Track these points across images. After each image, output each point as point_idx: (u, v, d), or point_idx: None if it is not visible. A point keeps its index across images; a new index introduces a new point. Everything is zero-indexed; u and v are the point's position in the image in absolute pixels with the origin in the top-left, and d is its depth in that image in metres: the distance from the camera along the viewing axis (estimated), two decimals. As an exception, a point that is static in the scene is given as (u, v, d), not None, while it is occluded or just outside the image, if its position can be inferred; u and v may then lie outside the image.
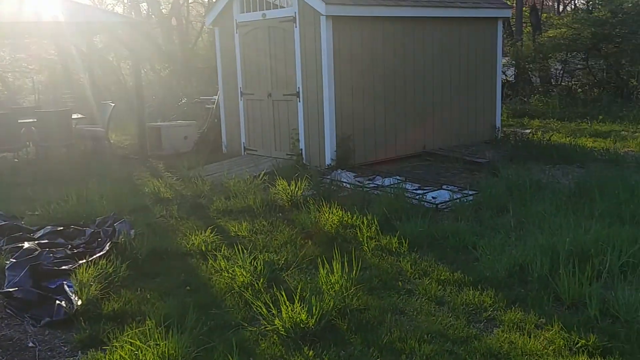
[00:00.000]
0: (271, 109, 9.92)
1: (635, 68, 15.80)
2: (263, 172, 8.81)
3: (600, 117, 13.98)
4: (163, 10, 25.32)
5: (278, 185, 7.57)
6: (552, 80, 19.11)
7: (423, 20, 9.87)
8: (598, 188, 6.67)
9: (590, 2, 19.61)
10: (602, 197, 6.32)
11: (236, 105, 10.60)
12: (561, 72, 19.07)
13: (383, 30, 9.44)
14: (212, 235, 5.85)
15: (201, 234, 5.90)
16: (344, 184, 8.00)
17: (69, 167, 10.21)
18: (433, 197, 7.25)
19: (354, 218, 6.23)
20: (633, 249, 4.65)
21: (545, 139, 10.57)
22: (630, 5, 17.28)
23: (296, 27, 9.21)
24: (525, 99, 17.10)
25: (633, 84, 15.93)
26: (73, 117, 11.01)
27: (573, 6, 32.04)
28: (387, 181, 8.12)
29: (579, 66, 18.42)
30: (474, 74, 10.81)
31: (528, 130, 12.44)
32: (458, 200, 6.87)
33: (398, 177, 8.37)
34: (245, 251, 4.98)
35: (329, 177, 8.51)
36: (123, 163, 10.60)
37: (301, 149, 9.47)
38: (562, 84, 18.84)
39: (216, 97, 12.56)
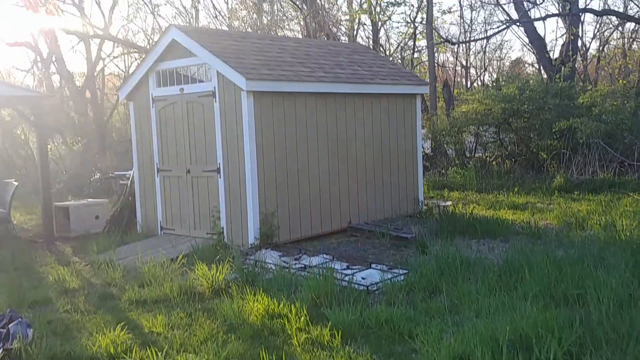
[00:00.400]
0: (190, 185, 9.45)
1: (544, 142, 16.57)
2: (181, 255, 8.25)
3: (516, 188, 14.40)
4: (77, 82, 24.57)
5: (197, 269, 7.03)
6: (466, 152, 19.77)
7: (344, 96, 9.87)
8: (527, 265, 6.59)
9: (498, 80, 20.70)
10: (532, 275, 6.22)
11: (152, 181, 10.05)
12: (474, 144, 19.77)
13: (305, 106, 9.33)
14: (122, 333, 5.21)
15: (110, 332, 5.25)
16: (269, 265, 7.56)
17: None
18: (363, 278, 6.94)
19: (281, 306, 5.78)
20: (572, 337, 4.47)
21: (467, 212, 10.63)
22: (535, 82, 18.35)
23: (216, 102, 8.93)
24: (444, 171, 17.48)
25: (543, 156, 16.65)
26: (-31, 197, 10.07)
27: (480, 82, 34.03)
28: (314, 260, 7.76)
29: (490, 139, 19.17)
30: (395, 148, 10.85)
31: (449, 203, 12.55)
32: (389, 281, 6.58)
33: (325, 256, 8.03)
34: (159, 354, 4.41)
35: (252, 257, 8.06)
36: (26, 248, 9.71)
37: (222, 228, 9.00)
38: (476, 155, 19.51)
39: (131, 173, 11.94)
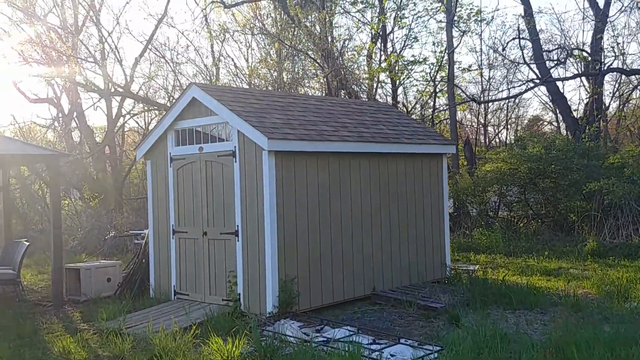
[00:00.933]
0: (207, 248, 9.00)
1: (573, 203, 15.98)
2: (195, 324, 7.71)
3: (546, 252, 13.74)
4: (97, 138, 24.63)
5: (212, 343, 6.49)
6: (489, 212, 19.19)
7: (368, 155, 9.49)
8: (574, 345, 5.96)
9: (523, 139, 20.30)
10: (580, 358, 5.60)
11: (167, 243, 9.63)
12: (498, 204, 19.21)
13: (328, 166, 8.94)
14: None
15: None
16: (289, 338, 6.99)
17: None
18: (392, 355, 6.34)
19: (304, 389, 5.21)
20: None
21: (498, 279, 10.02)
22: (560, 142, 17.90)
23: (236, 161, 8.58)
24: (468, 232, 16.88)
25: (572, 218, 16.02)
26: (-22, 257, 9.69)
27: (498, 140, 33.64)
28: (337, 333, 7.18)
29: (515, 199, 18.60)
30: (421, 210, 10.37)
31: (476, 267, 11.95)
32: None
33: (349, 328, 7.44)
34: None
35: (271, 328, 7.50)
36: (33, 312, 9.23)
37: (239, 294, 8.48)
38: (500, 215, 18.92)
39: (146, 232, 11.55)
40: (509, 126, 34.63)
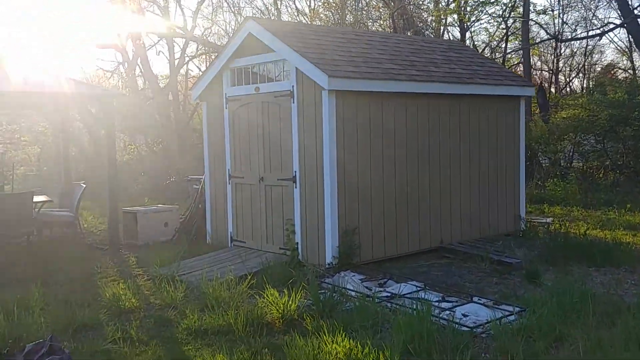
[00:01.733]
0: (263, 195, 8.53)
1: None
2: (251, 273, 7.31)
3: (628, 205, 12.62)
4: (160, 84, 24.51)
5: (267, 294, 6.05)
6: (561, 162, 17.96)
7: (438, 97, 8.67)
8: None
9: (603, 84, 18.73)
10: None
11: (224, 189, 9.22)
12: (571, 153, 17.92)
13: (394, 108, 8.20)
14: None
15: (159, 374, 4.34)
16: (350, 292, 6.47)
17: (26, 260, 8.71)
18: (464, 315, 5.73)
19: (366, 351, 4.69)
20: None
21: (579, 233, 9.15)
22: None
23: (294, 102, 7.97)
24: (540, 183, 15.82)
25: (657, 169, 14.70)
26: (36, 199, 9.59)
27: (569, 88, 31.58)
28: (402, 288, 6.60)
29: (592, 149, 17.27)
30: (496, 158, 9.52)
31: (550, 219, 11.06)
32: (499, 322, 5.33)
33: (415, 283, 6.86)
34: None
35: (330, 280, 7.01)
36: (90, 255, 9.09)
37: (297, 243, 8.01)
38: (574, 166, 17.68)
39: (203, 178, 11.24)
40: (581, 74, 32.47)
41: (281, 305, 5.80)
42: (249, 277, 6.94)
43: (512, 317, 5.53)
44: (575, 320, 5.26)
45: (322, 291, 6.48)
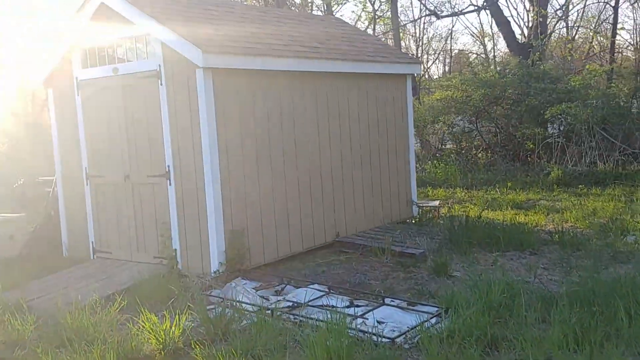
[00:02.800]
0: (130, 196, 7.24)
1: (530, 130, 14.96)
2: (120, 291, 6.07)
3: (509, 184, 12.71)
4: (-1, 74, 21.59)
5: (143, 319, 4.89)
6: (435, 144, 18.09)
7: (326, 77, 7.85)
8: (607, 296, 4.75)
9: (471, 65, 19.07)
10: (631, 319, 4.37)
11: (81, 191, 7.77)
12: (444, 135, 18.07)
13: (279, 88, 7.26)
14: None
15: None
16: (244, 305, 5.47)
17: None
18: (379, 322, 4.95)
19: (277, 387, 3.74)
20: None
21: (474, 216, 8.82)
22: (514, 65, 16.76)
23: (162, 84, 6.75)
24: (419, 166, 15.69)
25: (529, 146, 15.06)
26: None
27: (428, 73, 32.53)
28: (303, 294, 5.72)
29: (465, 129, 17.49)
30: (386, 140, 8.91)
31: (437, 202, 10.76)
32: (420, 328, 4.60)
33: (317, 286, 5.99)
34: None
35: (219, 292, 5.95)
36: None
37: (175, 250, 6.84)
38: (447, 147, 17.86)
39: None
40: (438, 60, 33.51)
41: (161, 333, 4.68)
42: (119, 298, 5.70)
43: (433, 320, 4.84)
44: (508, 317, 4.67)
45: (211, 307, 5.43)
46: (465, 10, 22.51)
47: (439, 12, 21.69)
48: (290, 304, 5.46)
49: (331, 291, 5.80)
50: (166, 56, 6.69)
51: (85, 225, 7.74)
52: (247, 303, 5.46)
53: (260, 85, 7.01)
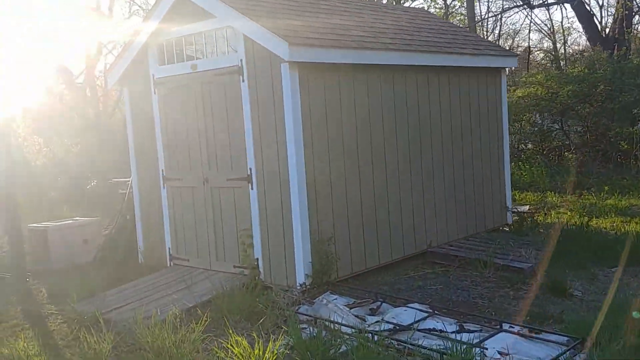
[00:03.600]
0: (209, 200, 6.78)
1: (624, 129, 13.76)
2: (200, 303, 5.61)
3: (606, 188, 11.64)
4: (77, 80, 21.93)
5: (232, 342, 4.36)
6: (516, 144, 17.00)
7: (417, 71, 7.17)
8: None
9: (557, 59, 17.89)
10: None
11: (157, 194, 7.39)
12: (527, 135, 16.97)
13: (367, 85, 6.64)
14: None
15: None
16: (337, 325, 4.87)
17: None
18: (501, 353, 4.25)
19: None
20: None
21: (580, 224, 7.94)
22: (604, 60, 15.52)
23: (243, 81, 6.25)
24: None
25: (624, 147, 13.85)
26: None
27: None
28: (402, 314, 5.08)
29: (550, 128, 16.37)
30: (478, 139, 8.15)
31: (526, 207, 9.89)
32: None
33: (417, 305, 5.33)
34: None
35: (308, 310, 5.38)
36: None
37: (256, 260, 6.32)
38: (529, 147, 16.76)
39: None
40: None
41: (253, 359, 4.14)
42: (200, 311, 5.22)
43: (569, 354, 4.10)
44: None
45: (303, 326, 4.87)
46: (549, 2, 21.28)
47: (532, 2, 20.58)
48: (391, 326, 4.82)
49: (435, 312, 5.12)
50: (248, 50, 6.18)
51: (162, 231, 7.36)
52: (343, 324, 4.85)
53: (347, 81, 6.40)
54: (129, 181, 10.99)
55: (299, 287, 5.92)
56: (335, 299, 5.61)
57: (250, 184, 6.31)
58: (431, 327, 4.71)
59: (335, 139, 6.28)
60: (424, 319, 4.95)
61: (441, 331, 4.63)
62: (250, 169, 6.28)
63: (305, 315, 5.19)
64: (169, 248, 7.29)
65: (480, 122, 8.15)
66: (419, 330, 4.68)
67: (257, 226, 6.29)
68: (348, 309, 5.34)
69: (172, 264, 7.27)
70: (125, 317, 5.57)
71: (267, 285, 6.17)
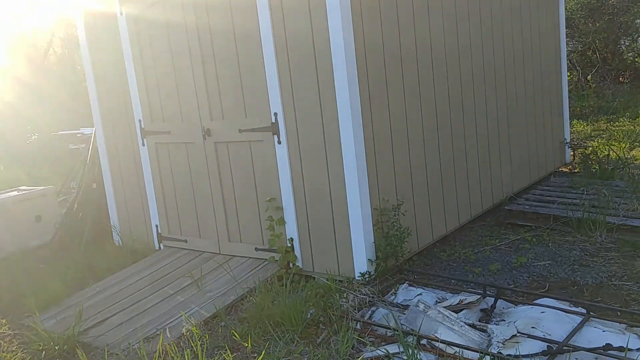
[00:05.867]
0: (213, 160, 4.88)
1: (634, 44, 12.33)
2: (225, 308, 3.86)
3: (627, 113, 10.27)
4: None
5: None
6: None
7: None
8: None
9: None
10: None
11: (134, 154, 5.44)
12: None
13: (428, 7, 4.77)
14: None
15: None
16: (442, 345, 3.20)
17: None
18: None
19: None
20: None
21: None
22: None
23: (258, -15, 4.28)
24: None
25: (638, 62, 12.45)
26: None
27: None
28: (531, 317, 3.44)
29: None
30: (539, 64, 6.44)
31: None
32: None
33: (551, 301, 3.67)
34: None
35: (402, 320, 3.67)
36: None
37: (290, 240, 4.54)
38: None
39: (91, 132, 7.46)
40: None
41: None
42: (226, 324, 3.46)
43: None
44: None
45: (392, 348, 3.19)
46: None
47: None
48: (542, 346, 3.17)
49: (591, 314, 3.49)
50: (264, -63, 4.18)
51: (144, 203, 5.45)
52: (465, 347, 3.17)
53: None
54: (83, 133, 8.88)
55: (358, 278, 4.20)
56: (419, 293, 3.93)
57: (276, 136, 4.43)
58: (604, 343, 3.09)
59: (395, 77, 4.44)
60: (581, 326, 3.33)
61: (621, 348, 3.03)
62: (275, 114, 4.39)
63: (378, 326, 3.48)
64: (157, 226, 5.41)
65: (539, 46, 6.41)
66: (587, 350, 3.05)
67: (288, 194, 4.47)
68: (435, 300, 3.68)
69: (162, 247, 5.41)
70: (112, 341, 3.76)
71: (308, 274, 4.45)
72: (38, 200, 6.28)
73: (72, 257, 5.54)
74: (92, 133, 7.33)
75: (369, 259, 4.19)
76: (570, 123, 10.43)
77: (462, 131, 5.22)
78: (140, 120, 5.24)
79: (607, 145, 8.14)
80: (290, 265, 4.52)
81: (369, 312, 3.78)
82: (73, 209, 6.06)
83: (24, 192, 6.36)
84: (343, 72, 3.96)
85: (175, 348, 3.46)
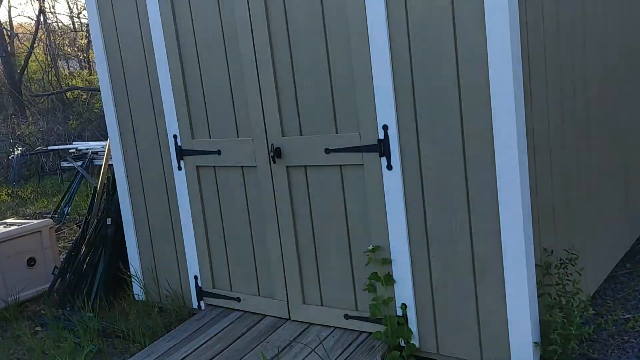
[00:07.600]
0: (284, 190, 3.50)
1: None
2: None
3: None
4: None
5: None
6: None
7: None
8: None
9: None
10: None
11: (165, 179, 4.05)
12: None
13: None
14: None
15: None
16: None
17: None
18: None
19: None
20: None
21: None
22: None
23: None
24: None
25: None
26: None
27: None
28: None
29: None
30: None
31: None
32: None
33: None
34: None
35: None
36: None
37: (403, 307, 3.15)
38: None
39: (89, 149, 6.16)
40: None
41: None
42: None
43: None
44: None
45: None
46: None
47: None
48: None
49: None
50: None
51: (179, 247, 4.04)
52: None
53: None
54: (73, 150, 7.52)
55: (519, 372, 2.82)
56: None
57: (384, 158, 3.06)
58: None
59: (568, 69, 3.11)
60: None
61: None
62: (385, 128, 3.02)
63: None
64: (196, 277, 4.00)
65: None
66: None
67: (402, 242, 3.08)
68: None
69: (202, 305, 4.00)
70: None
71: (428, 358, 3.08)
72: (30, 239, 4.84)
73: (78, 318, 4.12)
74: (89, 149, 5.98)
75: (534, 342, 2.82)
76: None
77: (601, 147, 3.90)
78: (175, 136, 3.85)
79: None
80: (402, 343, 3.15)
81: None
82: (79, 252, 4.62)
83: (12, 227, 4.91)
84: (507, 66, 2.62)
85: None
